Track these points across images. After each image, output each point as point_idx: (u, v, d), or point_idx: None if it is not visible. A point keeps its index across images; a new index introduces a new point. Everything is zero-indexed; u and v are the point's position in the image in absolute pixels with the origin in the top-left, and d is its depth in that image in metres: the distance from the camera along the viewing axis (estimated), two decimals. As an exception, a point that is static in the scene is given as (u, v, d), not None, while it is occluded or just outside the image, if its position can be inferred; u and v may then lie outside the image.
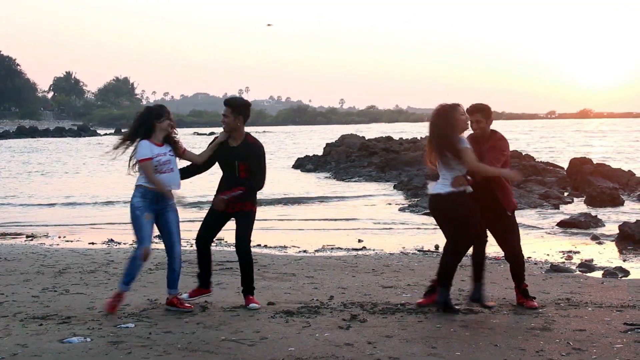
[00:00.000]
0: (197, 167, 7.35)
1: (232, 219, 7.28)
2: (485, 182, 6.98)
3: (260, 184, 7.17)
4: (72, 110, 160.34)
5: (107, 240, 13.25)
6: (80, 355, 5.57)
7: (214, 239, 7.56)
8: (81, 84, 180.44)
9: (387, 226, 15.30)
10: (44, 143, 74.85)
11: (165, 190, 6.96)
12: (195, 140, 63.26)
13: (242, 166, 7.10)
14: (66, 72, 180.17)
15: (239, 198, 7.06)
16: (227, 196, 7.04)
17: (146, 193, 6.91)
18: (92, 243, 12.80)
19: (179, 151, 7.11)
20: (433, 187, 6.96)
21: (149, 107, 7.23)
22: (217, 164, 7.32)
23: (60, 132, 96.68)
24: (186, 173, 7.35)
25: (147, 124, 6.98)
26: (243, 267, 7.28)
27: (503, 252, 7.37)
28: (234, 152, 7.13)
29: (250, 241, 7.27)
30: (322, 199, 21.41)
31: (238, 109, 7.15)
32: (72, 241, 13.57)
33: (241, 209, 7.16)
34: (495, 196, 7.03)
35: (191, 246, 10.06)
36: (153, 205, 6.94)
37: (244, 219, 7.19)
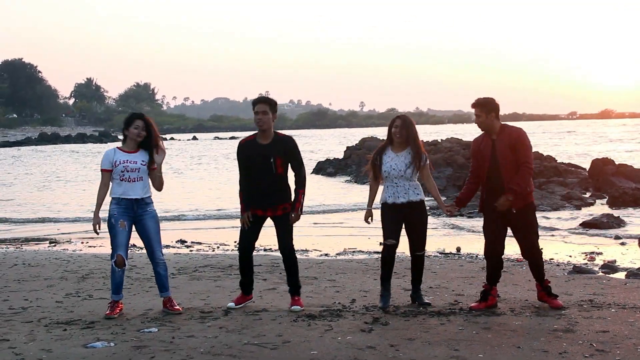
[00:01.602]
0: None
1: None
2: (501, 183, 7.06)
3: (304, 174, 7.29)
4: (93, 116, 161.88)
5: (129, 245, 13.30)
6: (104, 360, 5.59)
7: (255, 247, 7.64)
8: (102, 90, 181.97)
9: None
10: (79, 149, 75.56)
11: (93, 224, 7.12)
12: (216, 145, 63.63)
13: (279, 161, 7.14)
14: (87, 79, 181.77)
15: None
16: (299, 209, 7.22)
17: (120, 201, 7.05)
18: (115, 249, 12.87)
19: (151, 165, 7.14)
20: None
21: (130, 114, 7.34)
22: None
23: (82, 138, 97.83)
24: None
25: (122, 132, 7.14)
26: (290, 270, 7.39)
27: (520, 249, 7.36)
28: (268, 149, 7.14)
29: (293, 241, 7.35)
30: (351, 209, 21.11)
31: (273, 107, 7.24)
32: (94, 247, 13.76)
33: (283, 212, 7.24)
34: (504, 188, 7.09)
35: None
36: (129, 212, 7.05)
37: (286, 221, 7.26)
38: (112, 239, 7.06)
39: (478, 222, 16.33)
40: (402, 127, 7.20)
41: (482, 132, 7.34)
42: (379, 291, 7.40)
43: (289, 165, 7.25)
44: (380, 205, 7.38)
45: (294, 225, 7.28)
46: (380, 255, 7.48)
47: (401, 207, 7.20)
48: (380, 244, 12.79)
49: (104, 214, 6.98)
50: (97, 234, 7.25)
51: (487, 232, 7.31)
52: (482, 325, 6.53)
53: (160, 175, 7.23)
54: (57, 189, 30.52)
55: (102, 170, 7.13)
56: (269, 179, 7.15)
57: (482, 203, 7.42)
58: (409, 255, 7.45)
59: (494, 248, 7.26)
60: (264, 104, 7.16)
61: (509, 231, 7.29)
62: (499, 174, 7.11)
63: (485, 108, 7.19)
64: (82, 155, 61.90)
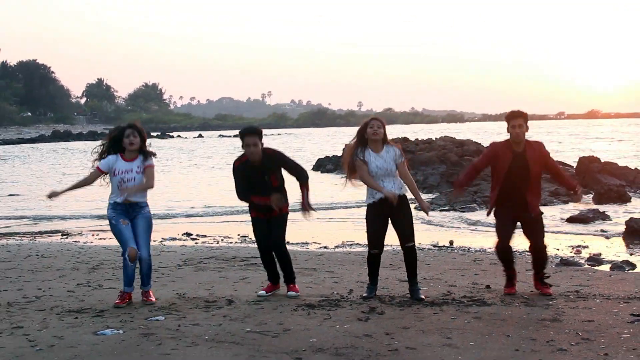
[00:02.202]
0: None
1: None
2: (519, 185, 7.37)
3: (302, 171, 7.58)
4: (103, 115, 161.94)
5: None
6: (114, 347, 5.71)
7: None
8: (112, 90, 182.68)
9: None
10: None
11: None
12: (220, 143, 63.34)
13: (273, 176, 7.46)
14: (98, 79, 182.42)
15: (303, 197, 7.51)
16: (307, 203, 7.49)
17: (115, 205, 7.26)
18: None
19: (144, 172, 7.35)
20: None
21: (120, 127, 7.52)
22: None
23: (93, 136, 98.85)
24: None
25: (115, 143, 7.36)
26: (282, 263, 7.68)
27: (530, 245, 7.62)
28: (261, 169, 7.44)
29: (284, 241, 7.64)
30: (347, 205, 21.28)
31: (261, 136, 7.50)
32: (105, 239, 13.91)
33: (279, 214, 7.53)
34: (525, 199, 7.37)
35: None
36: (125, 214, 7.27)
37: (280, 221, 7.56)
38: (119, 236, 7.24)
39: (471, 216, 16.60)
40: (380, 127, 7.37)
41: (504, 140, 7.54)
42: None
43: (286, 172, 7.57)
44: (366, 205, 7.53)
45: (308, 218, 7.56)
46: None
47: (387, 203, 7.30)
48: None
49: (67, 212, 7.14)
50: (49, 198, 7.41)
51: (502, 232, 7.57)
52: (474, 314, 6.67)
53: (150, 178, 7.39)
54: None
55: (97, 168, 7.34)
56: (267, 190, 7.45)
57: (494, 207, 7.63)
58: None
59: (507, 246, 7.57)
60: (254, 136, 7.40)
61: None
62: (526, 184, 7.37)
63: (527, 120, 7.43)
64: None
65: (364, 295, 7.51)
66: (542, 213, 7.64)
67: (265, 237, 7.59)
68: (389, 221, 7.46)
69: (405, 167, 7.51)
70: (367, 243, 7.55)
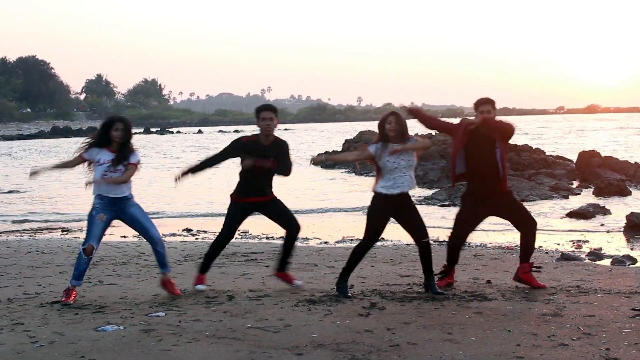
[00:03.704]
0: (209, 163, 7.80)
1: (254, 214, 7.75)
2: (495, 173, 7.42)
3: (290, 169, 7.69)
4: (103, 110, 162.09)
5: (138, 233, 13.45)
6: (114, 343, 5.70)
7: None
8: (112, 85, 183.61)
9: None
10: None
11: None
12: (221, 137, 63.39)
13: (274, 160, 7.58)
14: (97, 75, 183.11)
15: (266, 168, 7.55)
16: (253, 160, 7.50)
17: (103, 197, 7.29)
18: (124, 236, 13.01)
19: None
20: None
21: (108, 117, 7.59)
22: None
23: (92, 132, 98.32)
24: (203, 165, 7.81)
25: (104, 132, 7.39)
26: (292, 249, 7.85)
27: (522, 230, 7.63)
28: (269, 150, 7.58)
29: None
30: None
31: (276, 113, 7.68)
32: (104, 235, 13.77)
33: (269, 199, 7.67)
34: (498, 183, 7.47)
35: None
36: (112, 207, 7.29)
37: (279, 204, 7.74)
38: (88, 228, 7.29)
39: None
40: (396, 123, 7.39)
41: (467, 123, 7.64)
42: (337, 280, 7.59)
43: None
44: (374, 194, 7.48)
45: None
46: (354, 246, 7.69)
47: (397, 198, 7.32)
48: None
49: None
50: (30, 176, 7.53)
51: (465, 220, 7.75)
52: (475, 309, 6.68)
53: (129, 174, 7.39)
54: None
55: (80, 155, 7.37)
56: (264, 172, 7.57)
57: (458, 181, 7.78)
58: (415, 244, 7.52)
59: (465, 234, 7.80)
60: (271, 111, 7.63)
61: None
62: (495, 165, 7.44)
63: (494, 106, 7.63)
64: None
65: (340, 294, 7.40)
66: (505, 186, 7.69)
67: (234, 226, 7.73)
68: (394, 220, 7.48)
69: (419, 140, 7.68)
70: (364, 233, 7.46)
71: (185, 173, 7.76)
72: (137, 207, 7.43)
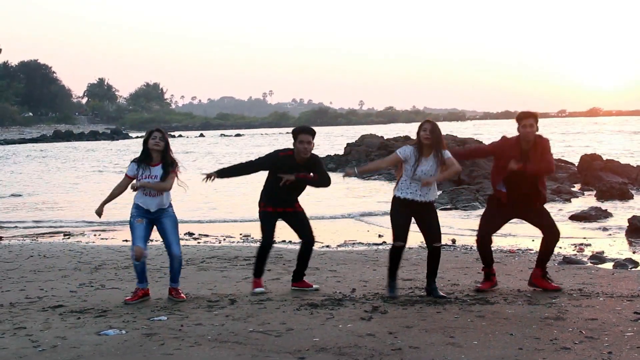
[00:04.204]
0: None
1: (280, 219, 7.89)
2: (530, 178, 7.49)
3: (329, 182, 7.84)
4: (105, 114, 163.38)
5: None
6: (116, 347, 5.72)
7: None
8: (113, 89, 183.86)
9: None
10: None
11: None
12: (223, 141, 63.38)
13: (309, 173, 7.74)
14: (99, 79, 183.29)
15: (305, 181, 7.73)
16: (296, 175, 7.63)
17: (139, 207, 7.44)
18: (126, 240, 12.97)
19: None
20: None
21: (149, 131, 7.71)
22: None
23: (94, 136, 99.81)
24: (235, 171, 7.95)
25: (144, 146, 7.53)
26: (308, 258, 7.93)
27: (547, 236, 7.71)
28: (301, 168, 7.72)
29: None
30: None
31: (314, 136, 7.76)
32: (107, 239, 13.84)
33: (294, 210, 7.80)
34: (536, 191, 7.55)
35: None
36: (147, 215, 7.44)
37: (302, 216, 7.86)
38: (132, 233, 7.44)
39: (473, 214, 16.60)
40: (432, 132, 7.34)
41: (512, 137, 7.69)
42: (387, 282, 7.66)
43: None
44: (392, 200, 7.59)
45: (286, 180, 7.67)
46: (388, 250, 7.70)
47: (417, 205, 7.42)
48: (380, 235, 13.12)
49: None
50: (99, 217, 7.68)
51: (492, 216, 7.74)
52: (477, 313, 6.69)
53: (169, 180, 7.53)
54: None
55: (126, 175, 7.51)
56: (293, 186, 7.70)
57: (500, 197, 7.70)
58: (425, 246, 7.62)
59: (491, 231, 7.73)
60: (309, 134, 7.69)
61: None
62: (526, 180, 7.50)
63: (537, 120, 7.63)
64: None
65: (389, 295, 7.50)
66: (544, 203, 7.76)
67: (272, 233, 7.83)
68: (414, 221, 7.53)
69: (452, 159, 7.47)
70: (392, 236, 7.53)
71: (217, 174, 7.80)
72: (171, 219, 7.55)
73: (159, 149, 7.48)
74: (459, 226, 15.03)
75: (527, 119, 7.55)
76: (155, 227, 7.55)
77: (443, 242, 12.25)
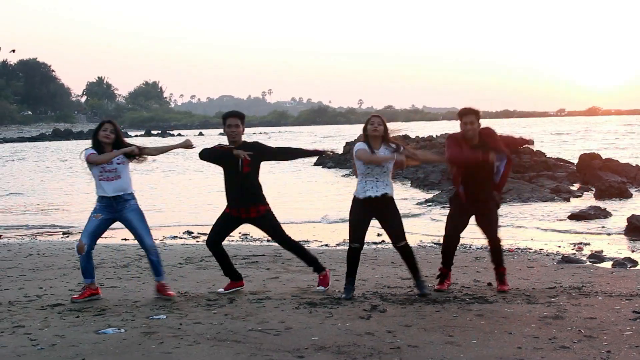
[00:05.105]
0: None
1: (244, 224, 7.78)
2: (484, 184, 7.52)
3: (294, 149, 7.94)
4: (104, 113, 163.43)
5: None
6: (115, 345, 5.71)
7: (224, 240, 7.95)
8: (113, 88, 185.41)
9: (404, 221, 15.43)
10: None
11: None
12: (222, 139, 63.19)
13: (246, 161, 7.49)
14: (98, 77, 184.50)
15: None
16: (244, 154, 7.46)
17: (101, 199, 7.39)
18: (125, 239, 12.96)
19: (134, 152, 7.43)
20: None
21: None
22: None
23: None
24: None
25: (94, 137, 7.51)
26: (298, 255, 7.94)
27: (488, 240, 7.73)
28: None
29: (286, 235, 7.83)
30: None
31: (243, 120, 7.69)
32: (105, 237, 13.71)
33: (257, 215, 7.62)
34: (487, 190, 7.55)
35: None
36: (110, 209, 7.37)
37: (270, 221, 7.71)
38: (84, 227, 7.42)
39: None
40: (380, 124, 7.43)
41: (457, 134, 7.68)
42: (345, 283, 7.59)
43: (266, 161, 7.71)
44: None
45: (333, 155, 7.67)
46: (346, 254, 7.65)
47: (375, 202, 7.39)
48: (378, 235, 13.11)
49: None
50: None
51: (455, 221, 7.76)
52: (476, 312, 6.69)
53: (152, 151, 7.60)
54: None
55: (88, 157, 7.38)
56: (236, 176, 7.53)
57: (460, 196, 7.71)
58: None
59: (458, 236, 7.79)
60: (237, 117, 7.61)
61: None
62: (487, 176, 7.52)
63: (479, 117, 7.58)
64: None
65: (343, 296, 7.43)
66: (498, 206, 7.74)
67: (219, 234, 7.74)
68: (376, 222, 7.56)
69: (412, 150, 7.68)
70: (349, 238, 7.52)
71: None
72: (136, 212, 7.45)
73: (109, 142, 7.41)
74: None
75: (467, 116, 7.55)
76: (122, 224, 7.48)
77: (440, 240, 12.37)
